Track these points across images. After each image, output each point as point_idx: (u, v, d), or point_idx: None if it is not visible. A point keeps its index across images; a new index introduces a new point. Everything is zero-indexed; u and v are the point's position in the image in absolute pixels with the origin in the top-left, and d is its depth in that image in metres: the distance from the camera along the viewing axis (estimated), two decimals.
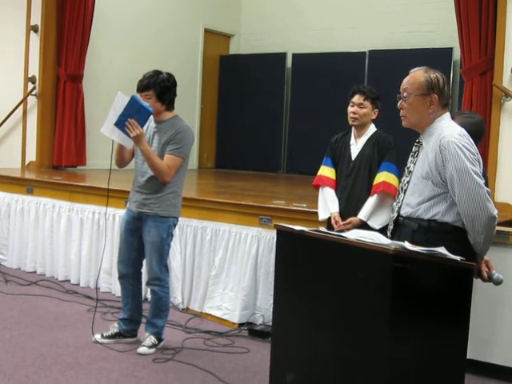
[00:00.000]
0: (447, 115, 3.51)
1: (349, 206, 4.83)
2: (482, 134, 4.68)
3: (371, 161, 4.82)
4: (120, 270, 5.19)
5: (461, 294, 3.15)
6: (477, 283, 3.45)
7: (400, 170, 4.47)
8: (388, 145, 4.82)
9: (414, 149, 3.61)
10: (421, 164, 3.49)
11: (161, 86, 4.92)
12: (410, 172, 3.58)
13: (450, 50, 9.90)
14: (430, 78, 3.44)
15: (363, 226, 4.61)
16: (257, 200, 6.40)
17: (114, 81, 9.57)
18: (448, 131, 3.39)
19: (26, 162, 9.48)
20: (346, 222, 4.75)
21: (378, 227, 4.58)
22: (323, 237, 3.32)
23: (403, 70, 3.67)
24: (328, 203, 4.92)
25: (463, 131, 3.44)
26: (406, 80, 3.51)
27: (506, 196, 6.22)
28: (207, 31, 12.17)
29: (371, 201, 4.74)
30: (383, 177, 4.72)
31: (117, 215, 6.55)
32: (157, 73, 4.97)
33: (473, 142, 3.42)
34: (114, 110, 4.75)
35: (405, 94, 3.49)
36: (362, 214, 4.75)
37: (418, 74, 3.49)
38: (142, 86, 4.92)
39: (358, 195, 4.82)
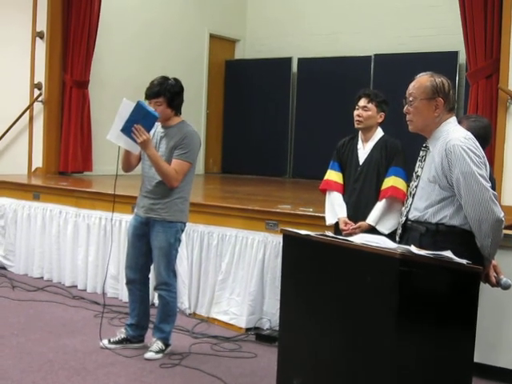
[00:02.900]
0: (453, 119, 3.52)
1: (357, 211, 4.82)
2: (489, 137, 4.68)
3: (379, 165, 4.81)
4: (128, 275, 5.20)
5: (467, 297, 3.14)
6: (483, 287, 3.44)
7: (408, 175, 4.47)
8: (396, 149, 4.80)
9: (421, 153, 3.62)
10: (428, 168, 3.50)
11: (171, 93, 4.92)
12: (417, 176, 3.59)
13: (455, 54, 9.89)
14: (436, 83, 3.46)
15: (372, 230, 4.60)
16: (263, 205, 6.40)
17: (120, 86, 9.58)
18: (454, 135, 3.40)
19: (33, 168, 9.50)
20: (355, 226, 4.75)
21: (386, 232, 4.57)
22: (329, 241, 3.33)
23: (409, 74, 3.68)
24: (335, 208, 4.91)
25: (469, 134, 3.45)
26: (411, 85, 3.53)
27: None
28: (212, 36, 12.19)
29: (380, 205, 4.74)
30: (391, 181, 4.71)
31: (123, 221, 6.56)
32: (165, 79, 4.97)
33: (479, 145, 3.42)
34: (120, 117, 4.75)
35: (410, 99, 3.51)
36: (371, 219, 4.74)
37: (423, 79, 3.51)
38: (153, 94, 4.91)
39: (366, 200, 4.81)
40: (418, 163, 3.63)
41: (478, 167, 3.32)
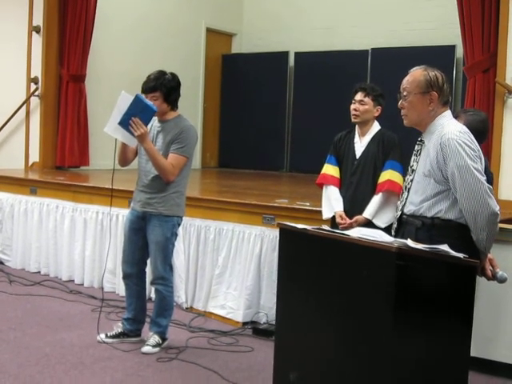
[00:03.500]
0: (448, 113, 3.52)
1: (353, 205, 4.82)
2: (487, 131, 4.68)
3: (376, 159, 4.81)
4: (124, 269, 5.19)
5: (464, 291, 3.14)
6: (480, 280, 3.45)
7: (404, 168, 4.47)
8: (392, 143, 4.81)
9: (416, 147, 3.61)
10: (423, 162, 3.50)
11: (167, 87, 4.91)
12: (413, 171, 3.58)
13: (452, 48, 9.88)
14: (429, 76, 3.46)
15: (369, 224, 4.60)
16: (260, 199, 6.40)
17: (117, 80, 9.57)
18: (449, 128, 3.40)
19: (30, 163, 9.48)
20: (351, 220, 4.75)
21: (383, 226, 4.58)
22: (326, 235, 3.33)
23: (406, 68, 3.67)
24: (332, 202, 4.91)
25: (464, 128, 3.44)
26: (405, 79, 3.53)
27: (509, 193, 6.21)
28: (209, 30, 12.17)
29: (376, 199, 4.74)
30: (388, 175, 4.72)
31: (120, 215, 6.55)
32: (162, 74, 4.96)
33: (474, 138, 3.42)
34: (118, 109, 4.74)
35: (405, 93, 3.51)
36: (368, 213, 4.74)
37: (417, 73, 3.50)
38: (149, 88, 4.90)
39: (363, 194, 4.81)
40: (413, 157, 3.62)
41: (472, 161, 3.31)
